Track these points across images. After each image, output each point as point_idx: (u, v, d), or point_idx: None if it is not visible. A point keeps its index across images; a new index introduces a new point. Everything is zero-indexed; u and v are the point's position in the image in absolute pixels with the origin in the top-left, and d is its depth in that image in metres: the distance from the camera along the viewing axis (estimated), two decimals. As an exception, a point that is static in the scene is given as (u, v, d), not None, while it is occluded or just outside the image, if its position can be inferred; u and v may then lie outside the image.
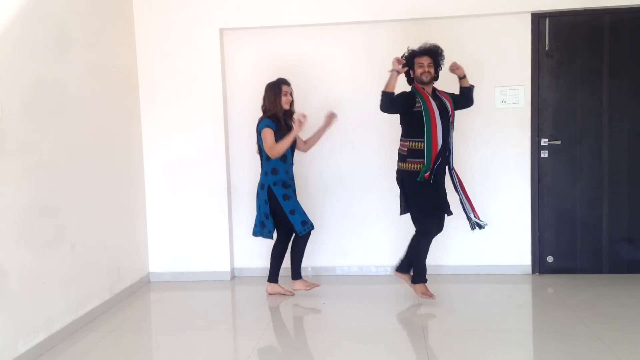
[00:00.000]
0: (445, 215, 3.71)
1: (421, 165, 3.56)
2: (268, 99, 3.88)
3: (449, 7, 4.24)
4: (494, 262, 4.42)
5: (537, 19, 4.26)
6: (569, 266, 4.38)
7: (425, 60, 3.62)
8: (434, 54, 3.65)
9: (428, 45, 3.67)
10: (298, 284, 4.01)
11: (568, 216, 4.36)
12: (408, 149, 3.62)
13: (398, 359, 3.00)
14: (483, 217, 4.38)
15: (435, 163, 3.54)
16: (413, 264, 3.78)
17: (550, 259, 4.40)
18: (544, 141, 4.33)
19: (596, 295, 3.89)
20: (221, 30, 4.46)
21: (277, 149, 3.75)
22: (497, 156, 4.35)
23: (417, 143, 3.58)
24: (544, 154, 4.34)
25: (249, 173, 4.54)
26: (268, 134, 3.77)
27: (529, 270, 4.40)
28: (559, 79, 4.31)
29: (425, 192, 3.60)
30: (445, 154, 3.60)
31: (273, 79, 3.93)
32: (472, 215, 3.70)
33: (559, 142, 4.33)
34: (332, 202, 4.46)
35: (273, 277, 4.05)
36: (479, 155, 4.38)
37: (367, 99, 4.38)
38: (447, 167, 3.68)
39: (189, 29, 4.43)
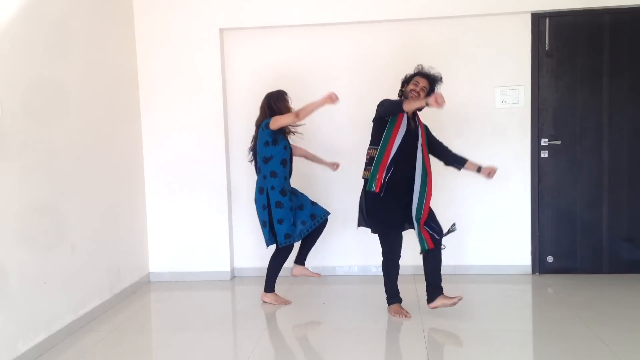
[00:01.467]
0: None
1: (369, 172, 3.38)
2: (274, 105, 3.70)
3: (449, 7, 4.24)
4: (494, 262, 4.42)
5: (537, 19, 4.26)
6: (569, 266, 4.38)
7: (422, 82, 3.46)
8: (432, 80, 3.49)
9: (433, 71, 3.52)
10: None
11: (568, 216, 4.36)
12: (369, 156, 3.47)
13: (398, 359, 3.00)
14: (483, 217, 4.42)
15: (386, 174, 3.33)
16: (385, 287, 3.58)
17: (550, 258, 4.40)
18: (544, 141, 4.33)
19: (596, 295, 3.89)
20: (221, 30, 4.46)
21: (303, 112, 3.50)
22: (497, 156, 4.34)
23: (374, 150, 3.43)
24: (544, 154, 4.34)
25: (249, 173, 4.52)
26: (278, 117, 3.60)
27: (529, 270, 4.40)
28: (559, 79, 4.31)
29: (383, 205, 3.39)
30: (407, 173, 3.37)
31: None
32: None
33: (559, 142, 4.33)
34: (332, 202, 4.46)
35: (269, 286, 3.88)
36: (479, 155, 4.34)
37: (366, 98, 4.36)
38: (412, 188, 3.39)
39: (189, 28, 4.43)
